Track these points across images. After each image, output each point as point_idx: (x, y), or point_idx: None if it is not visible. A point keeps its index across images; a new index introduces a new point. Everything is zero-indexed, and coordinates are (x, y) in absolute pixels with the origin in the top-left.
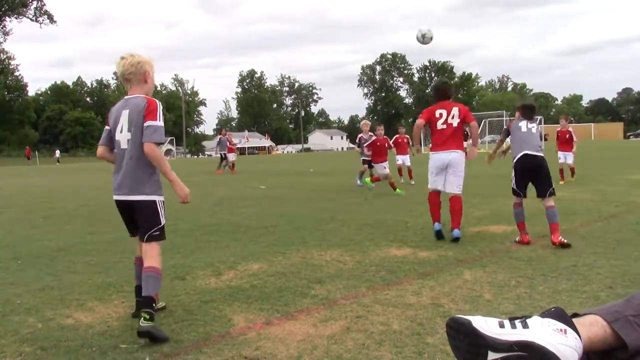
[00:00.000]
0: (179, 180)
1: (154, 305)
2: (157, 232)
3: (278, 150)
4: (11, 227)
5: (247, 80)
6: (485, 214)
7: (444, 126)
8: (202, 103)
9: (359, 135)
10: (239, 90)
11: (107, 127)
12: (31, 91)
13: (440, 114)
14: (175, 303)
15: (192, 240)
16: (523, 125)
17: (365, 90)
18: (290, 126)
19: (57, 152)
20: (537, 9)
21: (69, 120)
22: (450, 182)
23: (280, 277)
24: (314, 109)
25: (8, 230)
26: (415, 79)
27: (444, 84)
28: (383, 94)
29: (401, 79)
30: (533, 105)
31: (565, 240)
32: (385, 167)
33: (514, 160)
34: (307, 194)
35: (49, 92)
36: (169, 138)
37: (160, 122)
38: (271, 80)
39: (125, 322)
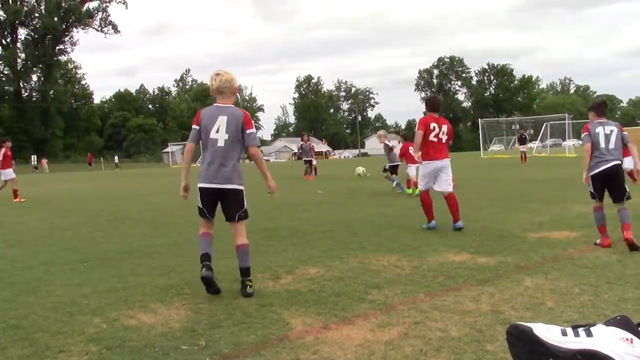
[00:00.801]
0: (271, 177)
1: (250, 274)
2: (244, 213)
3: (335, 155)
4: (78, 229)
5: (304, 86)
6: (546, 219)
7: (435, 139)
8: (260, 109)
9: (387, 144)
10: (296, 95)
11: (196, 127)
12: (96, 99)
13: (434, 127)
14: (235, 306)
15: (251, 244)
16: (601, 130)
17: (423, 94)
18: (347, 131)
19: (116, 158)
20: (603, 8)
21: (131, 127)
22: (445, 181)
23: (338, 281)
24: (371, 113)
25: (75, 232)
26: (474, 82)
27: (436, 98)
28: (441, 98)
29: (459, 83)
30: (604, 101)
31: (635, 241)
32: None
33: (592, 168)
34: (364, 198)
35: (113, 99)
36: None
37: (255, 129)
38: (328, 86)
39: (186, 324)
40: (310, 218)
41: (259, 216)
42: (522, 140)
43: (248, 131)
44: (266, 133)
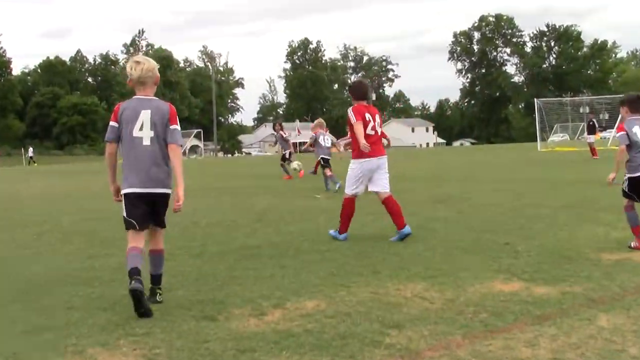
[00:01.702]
0: (183, 187)
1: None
2: (165, 219)
3: (342, 148)
4: None
5: (299, 53)
6: (626, 235)
7: (373, 132)
8: (239, 84)
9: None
10: (288, 66)
11: (114, 124)
12: (16, 69)
13: (369, 118)
14: (203, 351)
15: (224, 268)
16: (638, 130)
17: (459, 66)
18: None
19: (30, 150)
20: None
21: (64, 107)
22: (383, 180)
23: (344, 319)
24: (389, 91)
25: None
26: (528, 49)
27: (363, 84)
28: (483, 70)
29: (508, 50)
30: (639, 95)
31: None
32: None
33: (628, 172)
34: (379, 205)
35: (39, 70)
36: (195, 131)
37: (179, 125)
38: (330, 53)
39: None
40: (305, 231)
41: (234, 230)
42: (591, 129)
43: (172, 127)
44: (247, 117)
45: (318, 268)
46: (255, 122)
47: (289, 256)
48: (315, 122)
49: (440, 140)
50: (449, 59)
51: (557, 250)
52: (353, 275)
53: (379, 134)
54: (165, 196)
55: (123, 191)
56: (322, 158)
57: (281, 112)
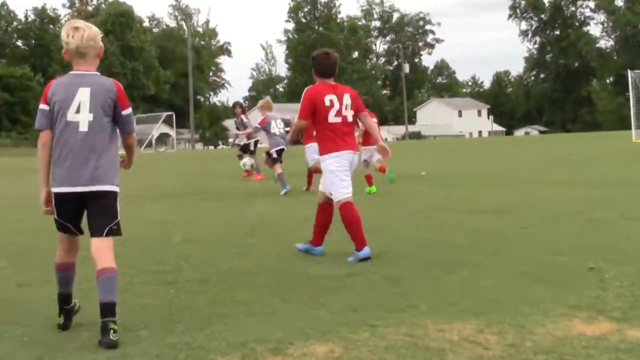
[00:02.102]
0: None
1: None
2: (116, 227)
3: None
4: None
5: (306, 9)
6: None
7: (339, 119)
8: (225, 51)
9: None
10: (290, 26)
11: (45, 107)
12: None
13: (331, 102)
14: None
15: (206, 300)
16: None
17: (524, 26)
18: (385, 92)
19: None
20: None
21: None
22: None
23: None
24: (428, 60)
25: None
26: (620, 3)
27: (328, 55)
28: (557, 32)
29: (591, 4)
30: None
31: None
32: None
33: None
34: (415, 216)
35: None
36: (164, 114)
37: (131, 109)
38: (348, 9)
39: None
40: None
41: (219, 248)
42: None
43: (124, 113)
44: (235, 95)
45: (333, 300)
46: (247, 102)
47: (293, 284)
48: (262, 102)
49: (497, 127)
50: (510, 16)
51: None
52: (380, 310)
53: (350, 120)
54: (104, 195)
55: (52, 189)
56: (275, 150)
57: (281, 89)
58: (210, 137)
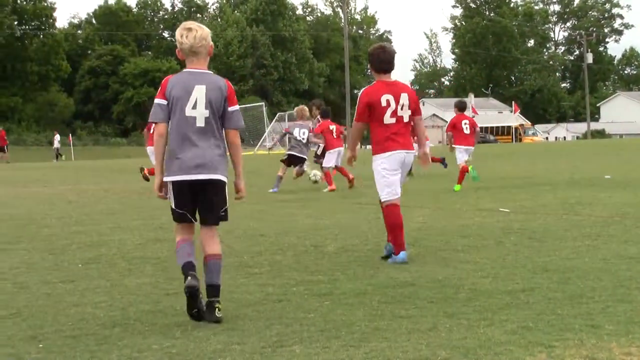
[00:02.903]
0: (242, 176)
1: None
2: (224, 213)
3: (537, 135)
4: None
5: None
6: None
7: (393, 119)
8: (385, 40)
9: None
10: (458, 13)
11: (162, 101)
12: (61, 20)
13: (388, 102)
14: None
15: (364, 314)
16: None
17: None
18: (564, 86)
19: (57, 138)
20: None
21: (129, 76)
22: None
23: None
24: (614, 49)
25: None
26: None
27: (384, 50)
28: None
29: None
30: None
31: None
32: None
33: None
34: (597, 225)
35: (93, 21)
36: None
37: (238, 107)
38: None
39: None
40: (487, 261)
41: (378, 256)
42: None
43: (231, 109)
44: None
45: (505, 317)
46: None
47: (460, 300)
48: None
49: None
50: None
51: None
52: (559, 330)
53: (406, 120)
54: (217, 184)
55: (170, 178)
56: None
57: (446, 83)
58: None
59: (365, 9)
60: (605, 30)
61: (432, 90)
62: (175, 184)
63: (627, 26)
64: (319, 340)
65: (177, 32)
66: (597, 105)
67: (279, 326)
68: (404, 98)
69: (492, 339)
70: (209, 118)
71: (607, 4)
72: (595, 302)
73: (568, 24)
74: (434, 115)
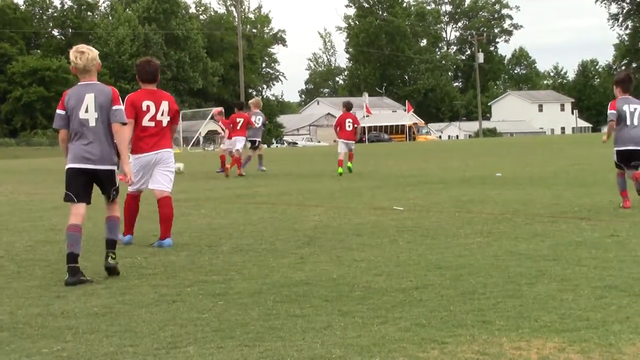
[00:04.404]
0: (128, 161)
1: (116, 247)
2: (115, 192)
3: (430, 134)
4: None
5: None
6: None
7: (152, 123)
8: (279, 40)
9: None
10: (351, 12)
11: (61, 111)
12: None
13: (148, 107)
14: None
15: (258, 314)
16: (627, 108)
17: (614, 9)
18: (457, 85)
19: None
20: None
21: (17, 74)
22: (158, 178)
23: None
24: (505, 49)
25: None
26: None
27: (149, 62)
28: None
29: None
30: (628, 75)
31: None
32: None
33: (615, 147)
34: (489, 222)
35: None
36: (211, 110)
37: (122, 106)
38: None
39: None
40: (379, 261)
41: (272, 257)
42: None
43: (114, 107)
44: (290, 89)
45: (399, 315)
46: (303, 96)
47: (355, 298)
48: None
49: (582, 123)
50: None
51: None
52: (451, 327)
53: (164, 124)
54: (108, 172)
55: (67, 166)
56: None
57: (340, 82)
58: (263, 135)
59: (259, 7)
60: (496, 31)
61: (326, 90)
62: (74, 170)
63: (516, 26)
64: (214, 340)
65: (71, 54)
66: (489, 104)
67: (172, 327)
68: (164, 105)
69: (386, 337)
70: (98, 119)
71: (496, 5)
72: (487, 298)
73: (459, 24)
74: (328, 114)
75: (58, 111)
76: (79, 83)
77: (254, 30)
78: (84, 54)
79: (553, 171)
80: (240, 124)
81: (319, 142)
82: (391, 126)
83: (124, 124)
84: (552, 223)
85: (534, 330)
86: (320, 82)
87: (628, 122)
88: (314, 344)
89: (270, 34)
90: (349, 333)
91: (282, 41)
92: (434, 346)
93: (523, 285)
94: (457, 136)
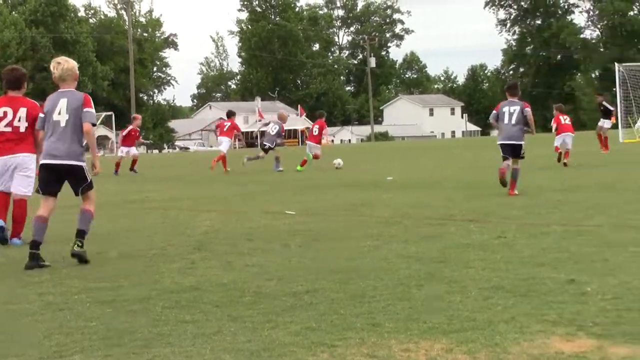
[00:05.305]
0: (97, 155)
1: (85, 237)
2: (87, 185)
3: (324, 138)
4: None
5: None
6: None
7: (9, 129)
8: (171, 44)
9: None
10: (244, 16)
11: (42, 115)
12: None
13: (5, 113)
14: None
15: (147, 321)
16: (507, 110)
17: (502, 15)
18: (349, 89)
19: None
20: None
21: None
22: (16, 182)
23: None
24: (396, 53)
25: None
26: None
27: (13, 70)
28: (538, 22)
29: None
30: (515, 83)
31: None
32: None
33: (498, 141)
34: (379, 225)
35: None
36: (102, 115)
37: (93, 110)
38: None
39: None
40: (270, 265)
41: (162, 263)
42: (604, 112)
43: (85, 110)
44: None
45: (289, 319)
46: (195, 100)
47: (245, 303)
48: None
49: (472, 127)
50: (487, 4)
51: None
52: (341, 330)
53: (21, 130)
54: (75, 167)
55: (40, 162)
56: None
57: (233, 86)
58: (155, 140)
59: (150, 11)
60: (387, 35)
61: (219, 94)
62: (43, 165)
63: (407, 31)
64: (100, 348)
65: (51, 65)
66: (380, 108)
67: (59, 336)
68: (23, 112)
69: (276, 341)
70: (69, 120)
71: (388, 10)
72: (377, 301)
73: (352, 29)
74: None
75: (40, 115)
76: (58, 90)
77: (145, 34)
78: (60, 64)
79: (443, 175)
80: (227, 127)
81: (212, 147)
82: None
83: (94, 124)
84: (441, 226)
85: (422, 331)
86: (213, 87)
87: (506, 121)
88: (203, 349)
89: (162, 37)
90: (239, 338)
91: (174, 45)
92: (323, 349)
93: (412, 288)
94: (350, 140)
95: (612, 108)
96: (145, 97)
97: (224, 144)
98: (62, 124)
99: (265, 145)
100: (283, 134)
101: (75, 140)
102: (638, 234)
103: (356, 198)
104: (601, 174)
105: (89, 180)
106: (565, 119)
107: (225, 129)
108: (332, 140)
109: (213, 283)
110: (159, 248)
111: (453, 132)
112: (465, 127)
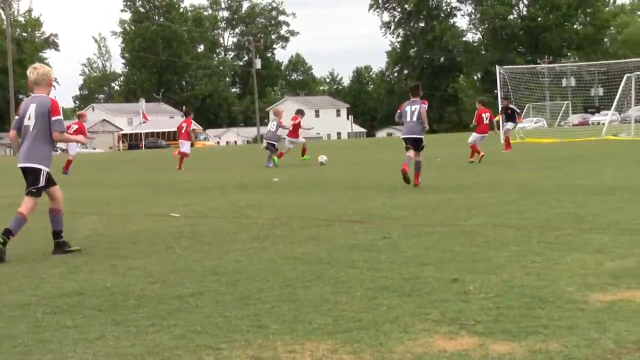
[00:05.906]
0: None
1: (10, 237)
2: (35, 190)
3: (209, 140)
4: None
5: None
6: (627, 265)
7: None
8: (51, 44)
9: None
10: (127, 17)
11: (17, 117)
12: None
13: None
14: None
15: (27, 327)
16: (408, 108)
17: (386, 17)
18: (234, 91)
19: None
20: None
21: None
22: None
23: None
24: (282, 55)
25: None
26: None
27: None
28: (422, 25)
29: None
30: (417, 85)
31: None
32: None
33: (402, 132)
34: (266, 227)
35: None
36: None
37: (61, 116)
38: None
39: None
40: (155, 268)
41: (42, 268)
42: (510, 115)
43: (53, 118)
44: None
45: (174, 322)
46: (78, 102)
47: (129, 307)
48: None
49: (358, 128)
50: (371, 7)
51: (527, 289)
52: (226, 332)
53: None
54: (31, 169)
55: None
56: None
57: (116, 87)
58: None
59: (30, 11)
60: (273, 37)
61: (102, 95)
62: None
63: (292, 33)
64: None
65: (28, 69)
66: (266, 109)
67: None
68: None
69: (160, 345)
70: (36, 125)
71: (273, 12)
72: (262, 303)
73: (237, 30)
74: (104, 120)
75: (16, 117)
76: (31, 95)
77: (24, 34)
78: (36, 69)
79: (329, 176)
80: (184, 129)
81: (95, 149)
82: (169, 132)
83: (62, 132)
84: (327, 227)
85: (308, 332)
86: (96, 88)
87: (408, 119)
88: (85, 355)
89: (42, 38)
90: (123, 342)
91: (55, 45)
92: (208, 352)
93: (298, 289)
94: (236, 142)
95: (519, 111)
96: (25, 98)
97: (185, 145)
98: (31, 128)
99: (269, 143)
100: (282, 125)
101: (39, 144)
102: (518, 233)
103: (242, 200)
104: (485, 173)
105: (39, 185)
106: (487, 117)
107: (183, 131)
108: (219, 142)
109: (96, 287)
110: (39, 253)
111: (339, 133)
112: (351, 128)
